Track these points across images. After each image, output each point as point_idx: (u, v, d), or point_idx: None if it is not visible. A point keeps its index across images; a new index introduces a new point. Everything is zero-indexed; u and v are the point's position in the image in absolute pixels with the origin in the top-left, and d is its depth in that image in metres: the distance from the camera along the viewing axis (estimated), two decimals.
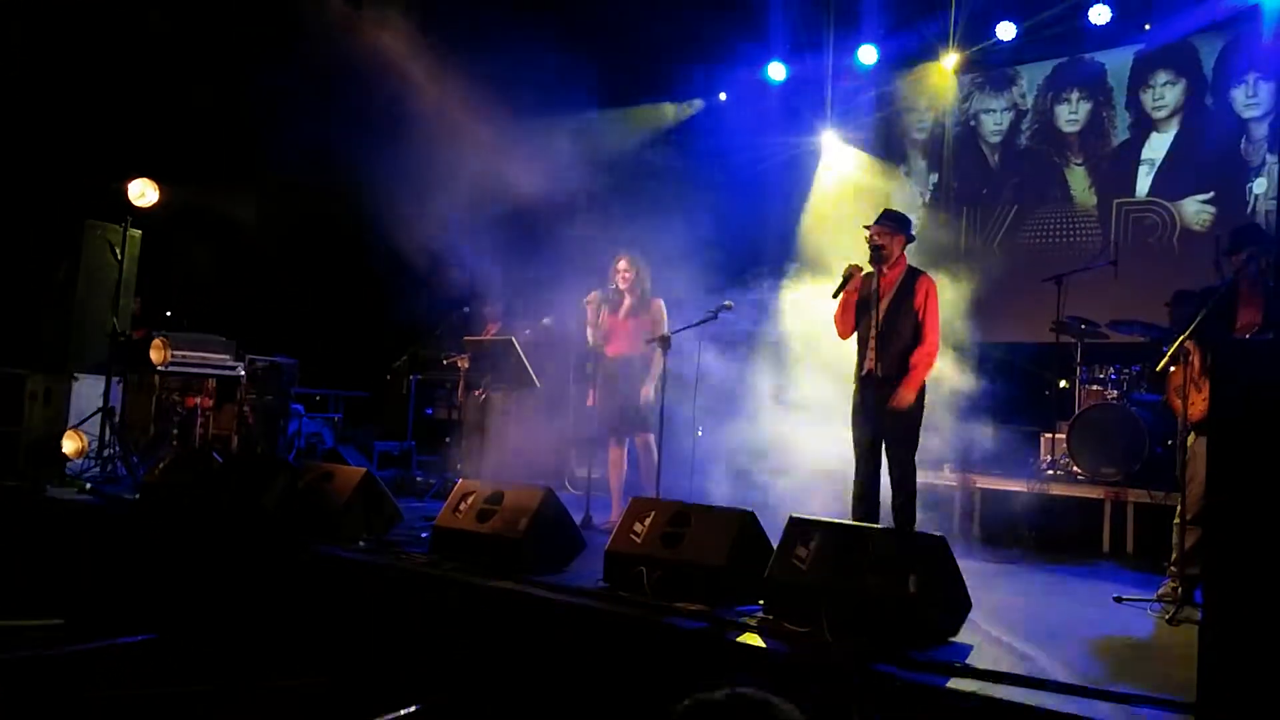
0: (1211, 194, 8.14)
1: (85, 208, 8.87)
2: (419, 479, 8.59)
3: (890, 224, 5.64)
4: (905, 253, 5.66)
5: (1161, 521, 6.17)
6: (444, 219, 8.68)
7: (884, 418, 5.50)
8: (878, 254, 5.57)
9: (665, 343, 6.45)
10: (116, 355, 8.39)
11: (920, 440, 5.64)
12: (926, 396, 5.64)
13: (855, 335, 5.73)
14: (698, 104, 10.75)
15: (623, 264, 6.79)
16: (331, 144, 9.34)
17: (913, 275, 5.62)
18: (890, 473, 5.56)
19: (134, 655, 5.08)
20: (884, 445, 5.57)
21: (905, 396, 5.43)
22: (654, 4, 9.02)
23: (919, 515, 5.64)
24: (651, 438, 6.62)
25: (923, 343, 5.51)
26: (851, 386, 5.73)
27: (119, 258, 8.57)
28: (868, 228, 5.67)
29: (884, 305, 5.56)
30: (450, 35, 9.21)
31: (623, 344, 6.77)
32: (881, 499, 5.64)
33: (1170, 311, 6.80)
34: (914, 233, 5.75)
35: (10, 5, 8.83)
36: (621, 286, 6.77)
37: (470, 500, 5.33)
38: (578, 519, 5.68)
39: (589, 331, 6.87)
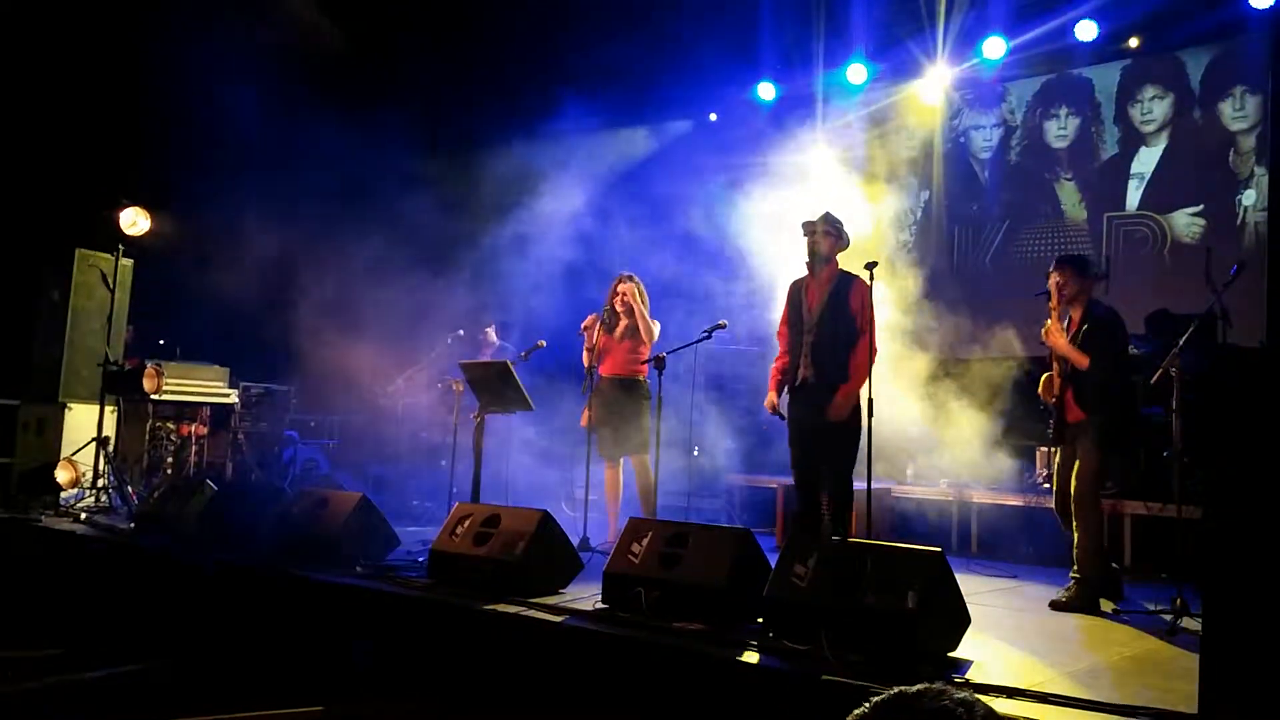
0: (1201, 206, 8.18)
1: (77, 237, 8.88)
2: (415, 503, 8.56)
3: (829, 226, 5.54)
4: (838, 257, 5.56)
5: (1159, 533, 6.18)
6: (440, 242, 8.72)
7: (821, 429, 5.35)
8: (816, 258, 5.49)
9: (660, 364, 6.46)
10: (110, 384, 8.37)
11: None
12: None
13: (789, 344, 5.60)
14: (688, 124, 10.79)
15: (621, 285, 6.81)
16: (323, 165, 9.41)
17: (845, 279, 5.51)
18: (825, 485, 5.39)
19: (128, 685, 5.03)
20: (820, 457, 5.41)
21: (840, 407, 5.30)
22: (645, 25, 9.08)
23: (913, 529, 5.64)
24: (648, 458, 6.61)
25: (859, 348, 5.34)
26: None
27: (111, 286, 8.56)
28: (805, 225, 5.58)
29: (816, 310, 5.47)
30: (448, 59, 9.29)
31: (618, 365, 6.79)
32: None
33: (1149, 331, 6.87)
34: (847, 238, 5.63)
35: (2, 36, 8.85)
36: (618, 308, 6.79)
37: (467, 523, 5.30)
38: (575, 540, 5.66)
39: (584, 354, 6.89)
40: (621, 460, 6.81)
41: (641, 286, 6.89)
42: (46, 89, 9.28)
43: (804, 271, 5.66)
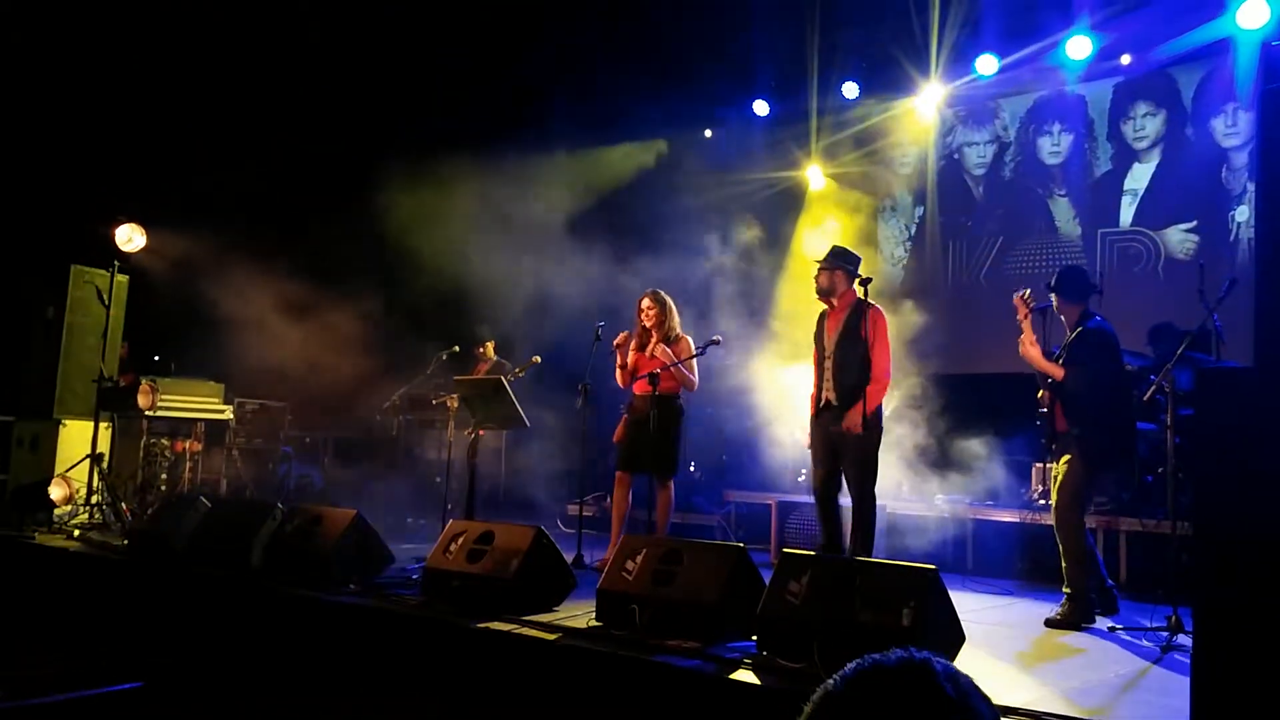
0: (1195, 223, 8.21)
1: (72, 253, 8.88)
2: (409, 519, 8.53)
3: (833, 262, 5.88)
4: (854, 287, 5.81)
5: (1155, 550, 6.17)
6: (437, 256, 8.72)
7: (841, 445, 5.66)
8: (822, 293, 5.88)
9: (654, 380, 6.45)
10: (104, 400, 8.36)
11: (880, 469, 5.77)
12: (885, 428, 5.80)
13: (816, 371, 5.94)
14: (684, 141, 10.83)
15: (646, 302, 6.76)
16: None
17: (860, 307, 5.79)
18: (850, 495, 5.68)
19: (121, 704, 5.00)
20: (843, 473, 5.71)
21: (854, 419, 5.54)
22: (641, 42, 9.12)
23: (909, 545, 5.67)
24: (670, 483, 6.60)
25: (872, 370, 5.65)
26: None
27: (106, 303, 8.56)
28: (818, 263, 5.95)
29: (834, 338, 5.80)
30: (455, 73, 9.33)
31: (649, 383, 6.70)
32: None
33: (1151, 346, 6.90)
34: (856, 265, 5.91)
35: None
36: (647, 324, 6.75)
37: (461, 540, 5.29)
38: (569, 557, 5.65)
39: (617, 372, 6.84)
40: (634, 477, 6.75)
41: (669, 301, 6.81)
42: (42, 104, 9.30)
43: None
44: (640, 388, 6.71)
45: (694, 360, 6.69)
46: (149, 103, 9.38)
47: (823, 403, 5.81)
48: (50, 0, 8.77)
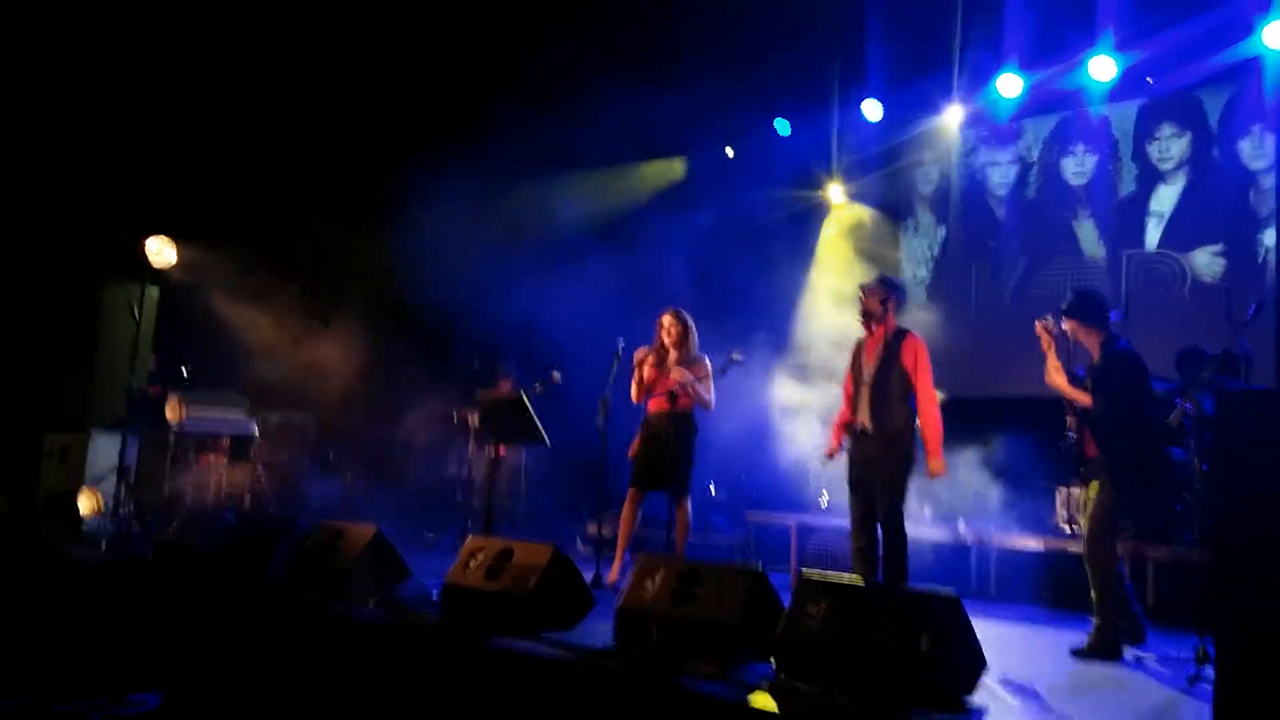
0: (1222, 245, 8.13)
1: (104, 266, 9.00)
2: (429, 535, 8.56)
3: (882, 289, 5.92)
4: (894, 314, 5.89)
5: (1183, 577, 6.09)
6: (460, 272, 8.77)
7: (879, 472, 5.66)
8: (866, 317, 5.89)
9: (673, 399, 6.46)
10: (133, 413, 8.45)
11: (909, 493, 5.80)
12: (917, 451, 5.76)
13: (852, 398, 5.95)
14: (704, 158, 10.86)
15: (667, 319, 6.76)
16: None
17: (899, 336, 5.83)
18: (883, 522, 5.69)
19: (141, 716, 5.04)
20: (876, 497, 5.70)
21: (935, 466, 5.66)
22: (662, 59, 9.16)
23: (931, 570, 5.65)
24: (687, 502, 6.59)
25: (920, 404, 5.71)
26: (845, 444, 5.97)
27: (137, 316, 8.67)
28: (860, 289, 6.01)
29: (873, 365, 5.80)
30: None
31: (666, 400, 6.73)
32: None
33: (1178, 369, 6.82)
34: (903, 296, 6.05)
35: (36, 72, 9.03)
36: (666, 342, 6.75)
37: (480, 557, 5.31)
38: (588, 576, 5.64)
39: (633, 387, 6.83)
40: (645, 495, 6.75)
41: (689, 320, 6.81)
42: (75, 119, 9.44)
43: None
44: (656, 405, 6.72)
45: (711, 380, 6.68)
46: (183, 117, 9.49)
47: (858, 429, 5.82)
48: (86, 20, 8.89)
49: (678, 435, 6.52)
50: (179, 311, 9.47)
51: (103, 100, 9.32)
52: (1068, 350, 5.57)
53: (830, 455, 6.12)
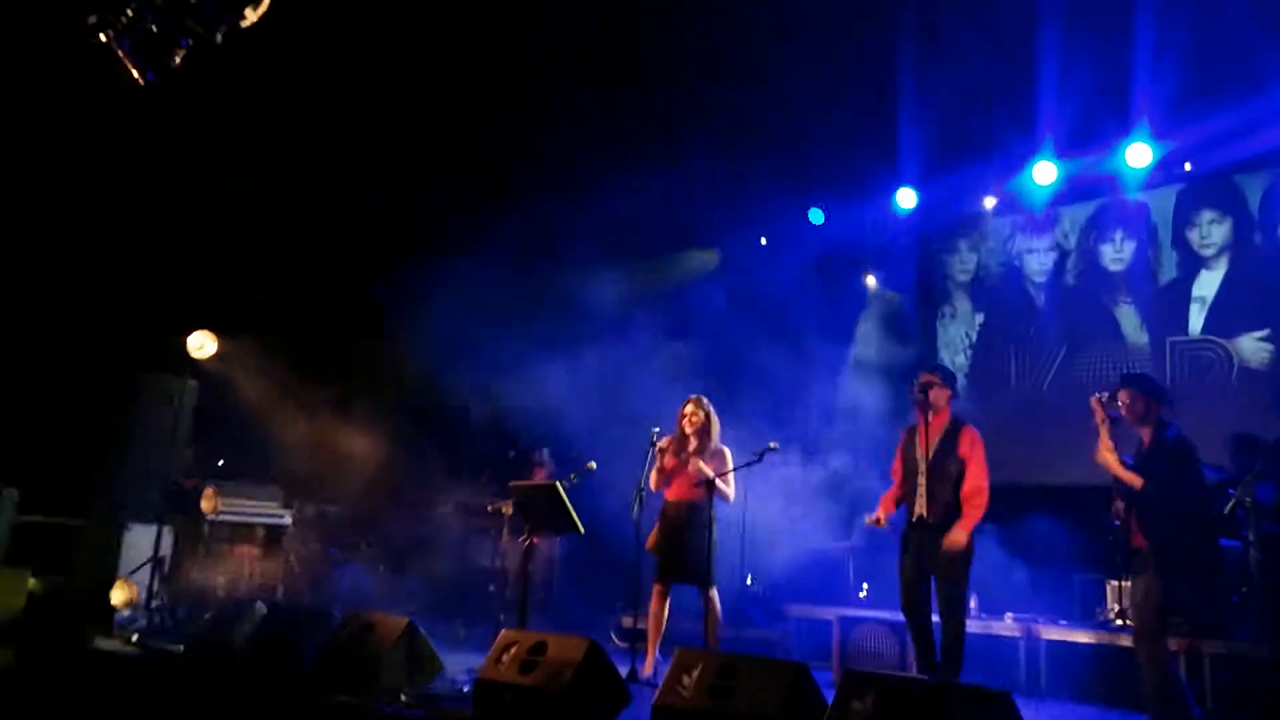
0: (1268, 331, 7.99)
1: (143, 359, 9.13)
2: (462, 631, 8.42)
3: (943, 379, 6.02)
4: (950, 404, 5.96)
5: (1241, 673, 5.82)
6: (496, 362, 8.81)
7: (935, 560, 5.64)
8: (922, 406, 5.91)
9: (711, 487, 6.36)
10: (170, 504, 8.48)
11: (969, 582, 5.74)
12: (975, 541, 5.74)
13: (903, 483, 5.96)
14: (737, 248, 10.93)
15: (690, 407, 6.70)
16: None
17: (956, 425, 5.91)
18: (939, 611, 5.66)
19: None
20: (935, 585, 5.69)
21: (958, 537, 5.59)
22: (696, 150, 9.30)
23: (979, 664, 5.48)
24: (714, 591, 6.44)
25: (972, 488, 5.72)
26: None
27: (176, 408, 8.76)
28: (915, 379, 6.07)
29: (931, 454, 5.82)
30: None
31: (685, 489, 6.63)
32: None
33: (1230, 458, 6.66)
34: (957, 387, 6.12)
35: (69, 165, 9.27)
36: (688, 430, 6.68)
37: (513, 651, 5.18)
38: (622, 670, 5.49)
39: (652, 475, 6.73)
40: (671, 588, 6.61)
41: (711, 411, 6.73)
42: (116, 210, 9.66)
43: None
44: (674, 494, 6.63)
45: (732, 474, 6.59)
46: (222, 211, 9.71)
47: (915, 518, 5.80)
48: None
49: (696, 525, 6.41)
50: (216, 403, 9.56)
51: (146, 195, 9.55)
52: (1116, 439, 5.44)
53: (875, 523, 6.09)
